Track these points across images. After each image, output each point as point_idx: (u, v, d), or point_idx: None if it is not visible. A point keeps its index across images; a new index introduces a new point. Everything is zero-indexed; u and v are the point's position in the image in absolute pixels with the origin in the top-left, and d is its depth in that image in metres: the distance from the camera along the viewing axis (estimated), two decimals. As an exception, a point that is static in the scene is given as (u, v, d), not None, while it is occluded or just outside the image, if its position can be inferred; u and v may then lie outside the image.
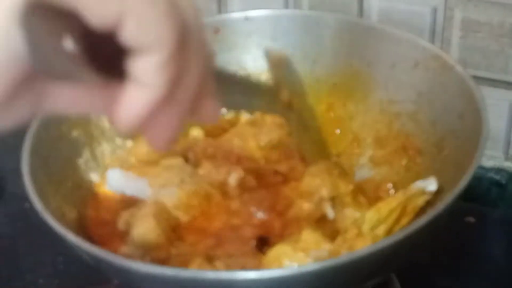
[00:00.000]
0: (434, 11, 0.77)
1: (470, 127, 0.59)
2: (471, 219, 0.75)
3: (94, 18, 0.32)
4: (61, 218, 0.55)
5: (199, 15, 0.37)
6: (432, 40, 0.78)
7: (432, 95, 0.66)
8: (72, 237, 0.51)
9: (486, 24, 0.75)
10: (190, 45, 0.36)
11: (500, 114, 0.78)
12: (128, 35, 0.33)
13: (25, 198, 0.54)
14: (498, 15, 0.74)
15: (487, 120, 0.57)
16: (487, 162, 0.81)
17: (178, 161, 0.65)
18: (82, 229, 0.61)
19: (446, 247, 0.70)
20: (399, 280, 0.65)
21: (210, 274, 0.46)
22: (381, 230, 0.59)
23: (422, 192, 0.61)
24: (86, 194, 0.64)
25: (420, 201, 0.61)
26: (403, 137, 0.68)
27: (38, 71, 0.33)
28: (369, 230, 0.59)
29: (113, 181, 0.64)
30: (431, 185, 0.60)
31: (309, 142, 0.70)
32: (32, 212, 0.53)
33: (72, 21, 0.33)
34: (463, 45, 0.77)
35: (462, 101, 0.61)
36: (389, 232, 0.60)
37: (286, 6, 0.84)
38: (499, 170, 0.81)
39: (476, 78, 0.64)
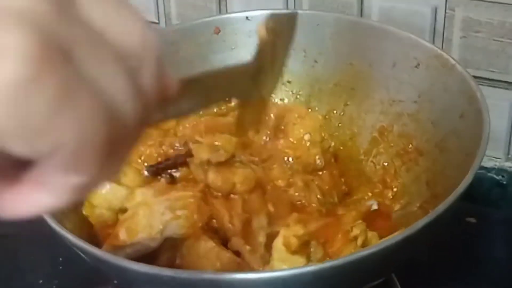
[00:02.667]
0: (435, 10, 0.77)
1: (471, 127, 0.59)
2: (472, 220, 0.75)
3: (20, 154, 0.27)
4: (61, 217, 0.54)
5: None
6: (432, 40, 0.78)
7: (433, 95, 0.66)
8: (70, 237, 0.51)
9: (487, 24, 0.75)
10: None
11: (501, 115, 0.78)
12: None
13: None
14: (499, 15, 0.74)
15: (488, 121, 0.57)
16: (488, 163, 0.81)
17: None
18: (84, 228, 0.61)
19: (447, 248, 0.70)
20: (399, 281, 0.65)
21: (208, 275, 0.46)
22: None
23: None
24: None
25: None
26: (404, 138, 0.68)
27: None
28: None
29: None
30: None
31: None
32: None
33: None
34: (464, 45, 0.77)
35: (463, 101, 0.61)
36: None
37: (286, 6, 0.83)
38: (500, 171, 0.81)
39: (477, 78, 0.64)
